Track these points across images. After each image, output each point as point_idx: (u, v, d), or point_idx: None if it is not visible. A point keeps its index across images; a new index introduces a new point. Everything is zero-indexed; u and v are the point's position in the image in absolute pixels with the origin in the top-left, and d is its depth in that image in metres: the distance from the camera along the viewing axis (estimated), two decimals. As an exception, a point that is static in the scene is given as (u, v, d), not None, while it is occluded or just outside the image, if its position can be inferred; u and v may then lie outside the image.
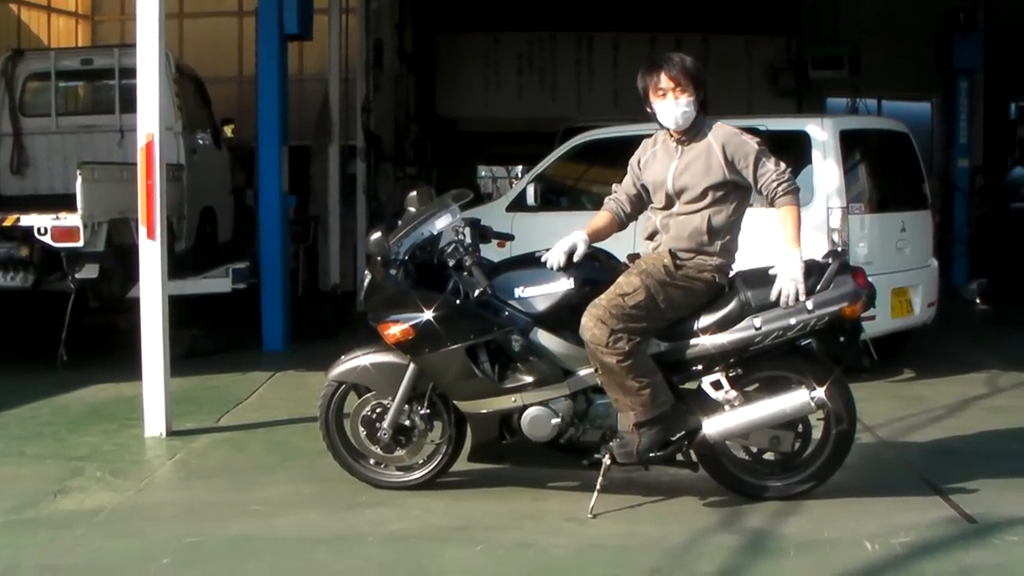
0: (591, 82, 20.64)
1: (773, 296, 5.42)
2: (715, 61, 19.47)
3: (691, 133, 5.60)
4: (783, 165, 5.52)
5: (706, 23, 19.53)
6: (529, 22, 20.13)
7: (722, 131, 5.58)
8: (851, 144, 9.00)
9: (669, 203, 5.60)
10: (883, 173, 9.59)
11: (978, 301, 14.21)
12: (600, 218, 5.88)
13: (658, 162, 5.68)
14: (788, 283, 5.40)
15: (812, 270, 5.51)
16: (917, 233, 9.46)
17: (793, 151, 8.88)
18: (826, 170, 8.76)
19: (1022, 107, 19.14)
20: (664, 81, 5.55)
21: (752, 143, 5.52)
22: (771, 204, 5.54)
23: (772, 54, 19.88)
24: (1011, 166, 17.24)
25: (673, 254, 5.48)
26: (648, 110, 5.66)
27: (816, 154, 8.82)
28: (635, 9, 19.26)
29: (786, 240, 5.49)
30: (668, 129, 5.66)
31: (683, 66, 5.56)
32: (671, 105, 5.55)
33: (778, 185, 5.46)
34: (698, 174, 5.51)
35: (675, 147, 5.65)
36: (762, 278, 5.53)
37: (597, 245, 5.79)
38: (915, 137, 9.87)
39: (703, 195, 5.50)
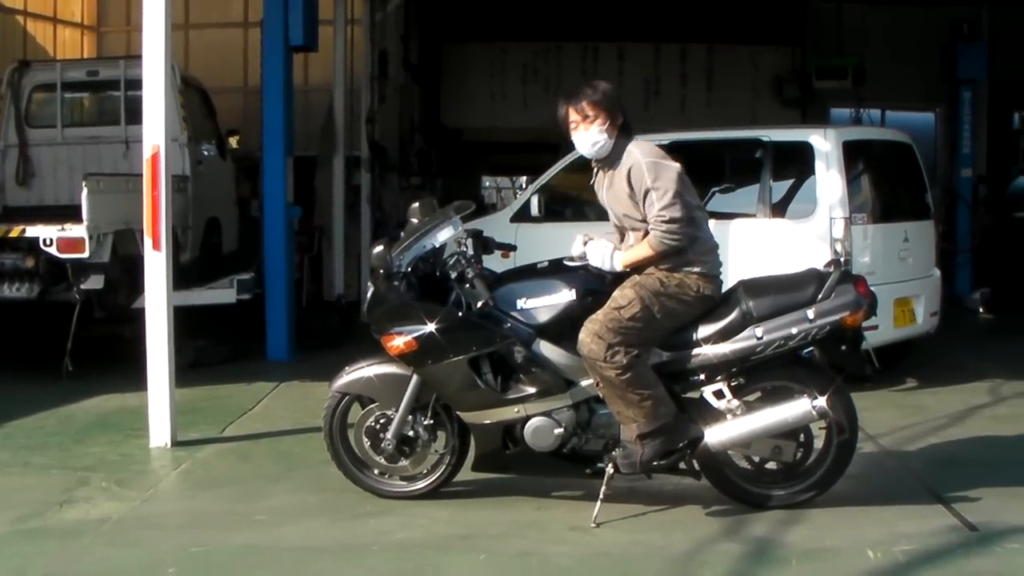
0: (596, 93, 20.58)
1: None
2: (720, 71, 19.56)
3: (610, 160, 5.60)
4: (674, 211, 5.31)
5: (711, 33, 19.55)
6: (534, 32, 20.12)
7: (632, 157, 5.49)
8: (854, 154, 9.02)
9: (623, 229, 5.66)
10: (886, 183, 9.61)
11: (981, 311, 14.20)
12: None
13: (599, 193, 5.71)
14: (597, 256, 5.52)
15: (813, 279, 5.55)
16: (920, 243, 9.48)
17: (796, 162, 8.95)
18: (829, 180, 8.78)
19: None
20: (572, 114, 5.57)
21: (647, 179, 5.36)
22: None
23: (777, 64, 19.86)
24: (1015, 176, 17.25)
25: (658, 267, 5.48)
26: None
27: (819, 164, 8.83)
28: (640, 20, 19.27)
29: (625, 250, 5.50)
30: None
31: (589, 97, 5.53)
32: (583, 136, 5.57)
33: (655, 223, 5.35)
34: (626, 203, 5.51)
35: (603, 176, 5.68)
36: (764, 288, 5.56)
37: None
38: (919, 147, 9.89)
39: (644, 220, 5.47)
